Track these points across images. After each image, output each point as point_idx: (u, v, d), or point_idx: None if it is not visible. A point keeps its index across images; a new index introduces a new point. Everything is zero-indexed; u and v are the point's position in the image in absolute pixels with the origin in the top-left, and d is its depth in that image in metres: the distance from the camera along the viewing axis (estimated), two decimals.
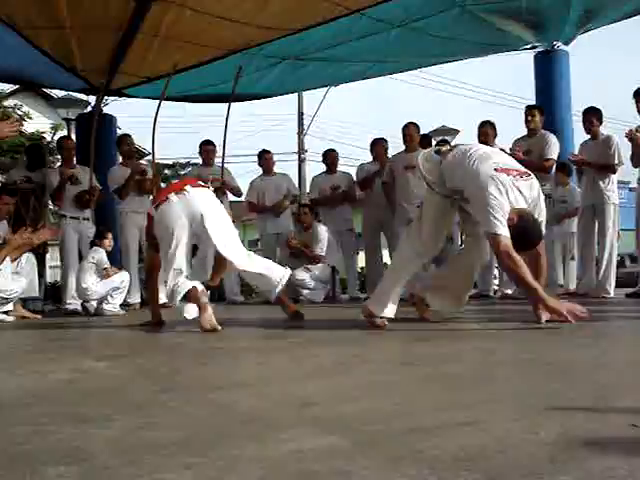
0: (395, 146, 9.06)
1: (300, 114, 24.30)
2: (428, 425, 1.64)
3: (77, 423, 1.79)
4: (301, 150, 23.99)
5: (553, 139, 7.49)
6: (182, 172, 25.11)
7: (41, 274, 7.55)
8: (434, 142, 9.47)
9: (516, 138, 7.80)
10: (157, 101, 8.91)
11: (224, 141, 8.88)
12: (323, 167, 9.37)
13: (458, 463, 1.31)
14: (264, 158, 9.33)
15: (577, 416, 1.71)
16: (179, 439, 1.57)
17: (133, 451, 1.48)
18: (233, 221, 4.99)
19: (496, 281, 8.62)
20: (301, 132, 24.34)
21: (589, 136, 7.65)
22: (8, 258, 6.18)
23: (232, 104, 9.49)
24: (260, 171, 9.46)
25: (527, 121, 7.61)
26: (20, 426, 1.78)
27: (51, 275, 12.05)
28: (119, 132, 12.09)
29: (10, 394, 2.30)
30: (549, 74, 10.30)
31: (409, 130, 8.13)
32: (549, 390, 2.08)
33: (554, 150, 7.44)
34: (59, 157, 10.45)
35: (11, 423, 1.82)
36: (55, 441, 1.60)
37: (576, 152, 7.89)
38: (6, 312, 6.34)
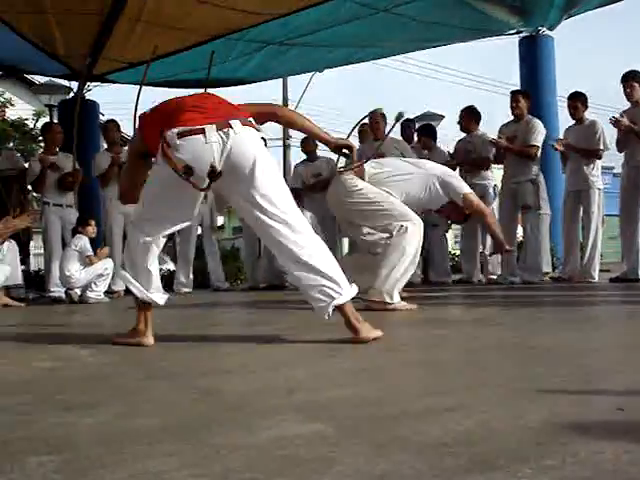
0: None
1: (285, 100, 24.23)
2: (413, 411, 1.63)
3: (60, 412, 1.77)
4: (286, 136, 23.92)
5: (538, 125, 7.49)
6: None
7: (24, 261, 7.50)
8: (416, 126, 9.46)
9: (502, 124, 7.80)
10: (141, 85, 8.83)
11: None
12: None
13: (444, 448, 1.30)
14: None
15: (562, 400, 1.70)
16: (163, 427, 1.56)
17: (116, 439, 1.46)
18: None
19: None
20: None
21: (574, 121, 7.66)
22: None
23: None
24: None
25: (512, 107, 7.61)
26: (1, 415, 1.76)
27: (34, 263, 11.96)
28: (102, 118, 11.99)
29: None
30: (534, 59, 10.32)
31: (375, 118, 8.12)
32: (534, 374, 2.08)
33: (539, 136, 7.44)
34: (42, 145, 10.36)
35: None
36: (37, 430, 1.58)
37: (561, 137, 7.90)
38: None
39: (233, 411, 1.69)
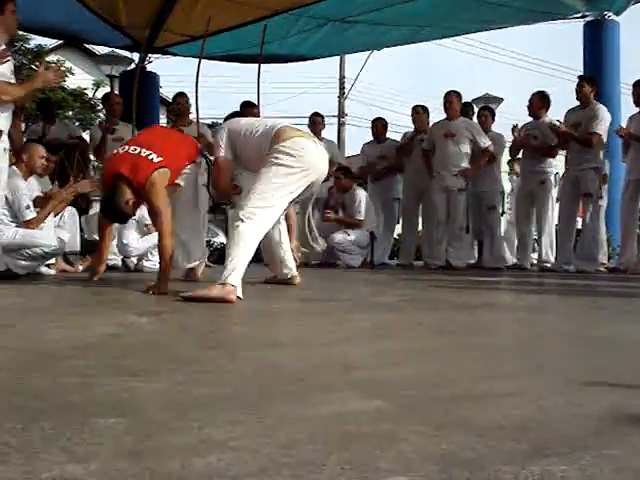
0: (438, 113, 9.00)
1: (341, 77, 24.17)
2: (472, 393, 1.64)
3: (123, 376, 1.82)
4: (341, 114, 23.88)
5: (603, 112, 7.34)
6: None
7: (81, 228, 7.64)
8: (476, 110, 9.38)
9: (568, 109, 7.68)
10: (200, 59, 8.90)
11: (258, 102, 8.87)
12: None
13: (504, 432, 1.31)
14: (314, 121, 9.27)
15: (621, 391, 1.70)
16: (225, 396, 1.59)
17: (180, 406, 1.50)
18: None
19: (535, 254, 8.54)
20: (342, 96, 24.21)
21: (638, 109, 7.50)
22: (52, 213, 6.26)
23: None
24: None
25: (577, 92, 7.48)
26: (68, 378, 1.80)
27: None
28: (162, 90, 12.13)
29: (56, 346, 2.33)
30: (598, 44, 10.11)
31: (450, 98, 8.06)
32: (591, 364, 2.07)
33: (602, 124, 7.30)
34: (100, 114, 10.55)
35: (59, 374, 1.85)
36: (102, 393, 1.62)
37: (624, 124, 7.75)
38: (48, 265, 6.44)
39: (293, 384, 1.72)
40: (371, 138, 9.30)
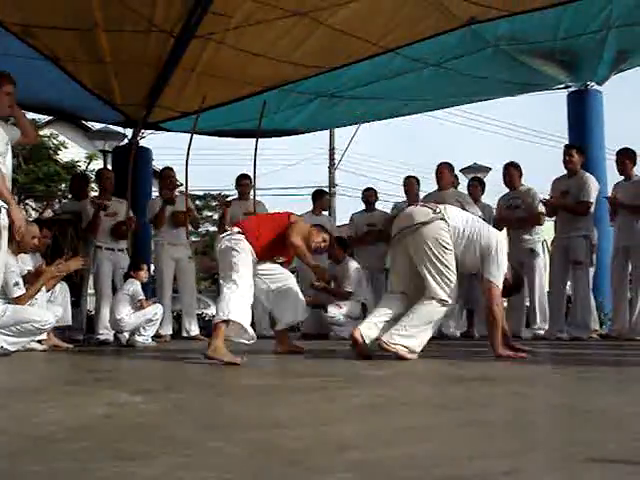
0: (427, 182, 9.16)
1: (331, 149, 24.49)
2: (469, 474, 1.63)
3: (118, 460, 1.80)
4: (332, 184, 24.13)
5: (591, 181, 7.46)
6: (213, 203, 25.48)
7: (78, 303, 7.63)
8: (466, 180, 9.52)
9: (555, 178, 7.79)
10: (192, 135, 9.06)
11: (254, 175, 9.06)
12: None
13: None
14: (317, 199, 9.48)
15: (619, 467, 1.68)
16: None
17: None
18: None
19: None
20: (332, 166, 24.50)
21: (623, 177, 7.62)
22: (43, 288, 6.26)
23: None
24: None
25: (565, 161, 7.59)
26: (62, 462, 1.79)
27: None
28: (154, 164, 12.27)
29: (49, 428, 2.31)
30: (582, 114, 10.32)
31: (441, 169, 8.22)
32: (587, 439, 2.06)
33: (592, 192, 7.41)
34: (94, 187, 10.66)
35: (53, 459, 1.83)
36: (98, 479, 1.61)
37: (609, 192, 7.86)
38: (39, 341, 6.40)
39: (289, 466, 1.71)
40: (361, 207, 9.42)
